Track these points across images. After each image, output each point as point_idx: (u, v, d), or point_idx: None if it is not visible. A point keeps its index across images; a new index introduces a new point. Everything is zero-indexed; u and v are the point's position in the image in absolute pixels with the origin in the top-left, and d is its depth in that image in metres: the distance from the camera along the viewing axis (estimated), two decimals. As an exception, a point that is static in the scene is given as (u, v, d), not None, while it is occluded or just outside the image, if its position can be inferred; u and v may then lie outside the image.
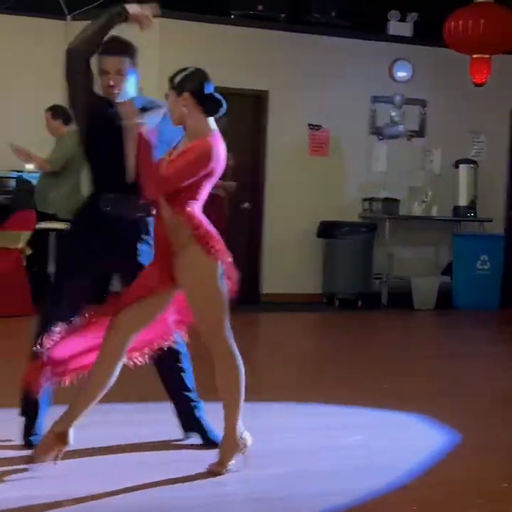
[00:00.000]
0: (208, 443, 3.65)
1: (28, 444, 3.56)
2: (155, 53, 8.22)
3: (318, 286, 8.85)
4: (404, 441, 3.99)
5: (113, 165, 3.49)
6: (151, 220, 3.55)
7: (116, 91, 3.49)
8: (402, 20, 9.16)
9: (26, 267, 7.36)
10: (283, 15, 8.62)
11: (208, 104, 3.35)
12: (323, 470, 3.50)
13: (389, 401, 4.67)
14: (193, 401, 3.72)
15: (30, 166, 7.81)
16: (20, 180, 7.87)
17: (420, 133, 9.29)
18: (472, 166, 9.21)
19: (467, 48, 7.99)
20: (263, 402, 4.35)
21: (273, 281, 8.66)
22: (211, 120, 3.39)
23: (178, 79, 3.33)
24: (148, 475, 3.31)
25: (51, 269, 7.51)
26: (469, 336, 7.60)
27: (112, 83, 3.47)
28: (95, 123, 3.54)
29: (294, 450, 3.75)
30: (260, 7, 8.44)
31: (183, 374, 3.70)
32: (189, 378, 3.73)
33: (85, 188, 7.66)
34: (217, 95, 3.39)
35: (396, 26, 9.14)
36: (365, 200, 9.07)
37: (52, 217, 7.56)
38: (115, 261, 3.60)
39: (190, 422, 3.73)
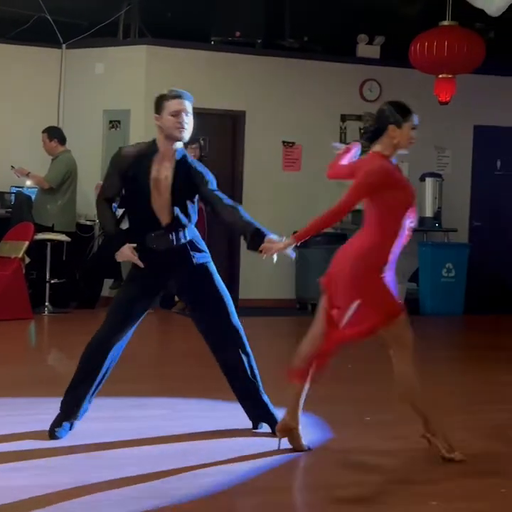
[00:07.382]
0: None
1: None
2: (142, 77, 9.56)
3: (292, 293, 10.08)
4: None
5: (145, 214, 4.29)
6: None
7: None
8: (370, 43, 10.31)
9: (25, 274, 8.45)
10: (259, 40, 9.83)
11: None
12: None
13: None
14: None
15: (29, 182, 8.91)
16: (19, 195, 8.94)
17: (388, 148, 10.72)
18: (437, 179, 10.22)
19: (432, 69, 8.78)
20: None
21: (249, 288, 9.87)
22: None
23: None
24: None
25: (48, 276, 8.65)
26: (434, 341, 8.23)
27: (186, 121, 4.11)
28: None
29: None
30: (238, 33, 9.68)
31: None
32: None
33: (79, 201, 9.11)
34: None
35: (364, 49, 10.32)
36: (335, 211, 10.46)
37: (49, 229, 8.62)
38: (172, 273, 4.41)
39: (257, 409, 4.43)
